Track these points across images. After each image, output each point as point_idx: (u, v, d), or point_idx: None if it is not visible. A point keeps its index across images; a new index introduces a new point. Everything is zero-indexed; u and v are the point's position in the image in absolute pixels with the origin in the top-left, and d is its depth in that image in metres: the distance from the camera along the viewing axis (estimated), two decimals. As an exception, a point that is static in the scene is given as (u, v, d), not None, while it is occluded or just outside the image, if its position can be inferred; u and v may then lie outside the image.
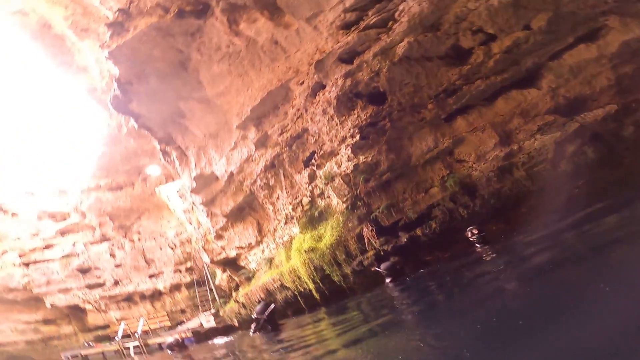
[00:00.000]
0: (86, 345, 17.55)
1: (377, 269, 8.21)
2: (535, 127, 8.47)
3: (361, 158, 8.70)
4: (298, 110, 9.96)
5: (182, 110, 11.64)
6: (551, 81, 8.40)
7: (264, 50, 9.98)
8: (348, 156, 8.86)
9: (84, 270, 19.30)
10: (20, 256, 18.71)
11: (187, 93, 11.21)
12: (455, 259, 7.67)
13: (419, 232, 8.32)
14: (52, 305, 18.59)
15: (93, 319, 19.26)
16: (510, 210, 8.21)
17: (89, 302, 18.99)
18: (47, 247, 19.29)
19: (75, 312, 19.38)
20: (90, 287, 19.18)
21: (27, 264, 18.65)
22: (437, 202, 8.39)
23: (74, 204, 19.81)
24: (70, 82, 16.06)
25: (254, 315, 8.72)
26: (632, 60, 8.23)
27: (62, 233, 19.82)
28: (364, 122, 8.77)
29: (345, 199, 9.02)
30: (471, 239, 7.87)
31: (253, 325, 8.50)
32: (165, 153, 13.12)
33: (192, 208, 14.98)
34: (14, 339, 18.79)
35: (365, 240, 8.66)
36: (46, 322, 19.45)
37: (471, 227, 7.94)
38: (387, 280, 8.04)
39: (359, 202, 8.81)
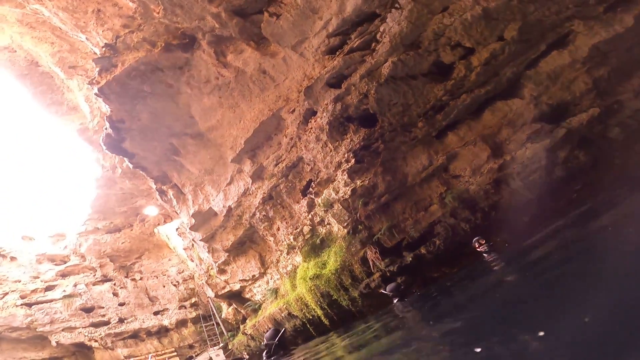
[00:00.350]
0: None
1: (383, 291, 8.16)
2: (525, 136, 8.55)
3: (358, 182, 8.73)
4: (291, 139, 9.97)
5: (176, 147, 11.61)
6: (532, 89, 8.50)
7: (253, 80, 10.05)
8: (345, 181, 8.88)
9: (87, 310, 19.13)
10: (21, 297, 18.38)
11: (179, 129, 11.21)
12: (464, 273, 7.67)
13: (423, 250, 8.32)
14: (57, 343, 18.22)
15: (100, 356, 18.84)
16: (512, 221, 8.25)
17: (95, 340, 18.65)
18: (48, 288, 19.07)
19: (82, 350, 18.99)
20: (95, 325, 18.98)
21: (29, 305, 18.31)
22: (438, 219, 8.41)
23: (73, 247, 19.70)
24: (61, 122, 16.02)
25: (264, 342, 8.62)
26: (604, 63, 8.39)
27: (63, 275, 19.61)
28: (358, 146, 8.81)
29: (346, 224, 9.00)
30: (479, 249, 7.87)
31: (265, 354, 8.38)
32: (161, 192, 13.01)
33: (193, 245, 14.86)
34: None
35: (370, 262, 8.63)
36: None
37: (477, 238, 7.93)
38: (395, 300, 8.01)
39: (360, 226, 8.80)
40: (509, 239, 8.18)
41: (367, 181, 8.65)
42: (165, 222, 20.33)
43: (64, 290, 18.93)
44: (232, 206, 11.69)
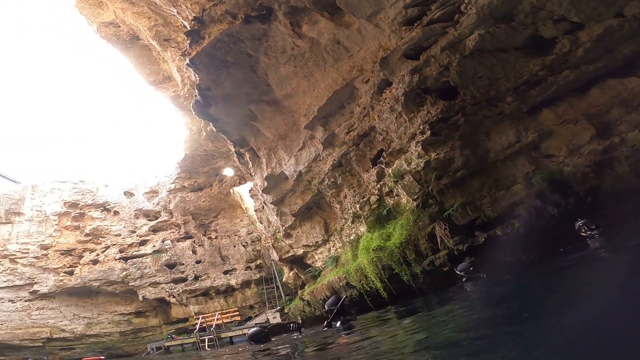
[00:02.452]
0: (170, 337, 18.28)
1: (455, 270, 7.77)
2: None
3: (433, 155, 8.33)
4: (364, 108, 9.90)
5: (254, 113, 12.30)
6: (655, 69, 7.23)
7: (327, 50, 10.11)
8: (418, 153, 8.54)
9: (170, 266, 20.65)
10: (120, 251, 20.48)
11: (257, 96, 11.83)
12: (546, 262, 6.90)
13: (498, 231, 7.71)
14: (143, 297, 19.86)
15: (175, 312, 20.23)
16: (611, 209, 7.18)
17: (174, 296, 20.02)
18: (142, 243, 21.03)
19: (162, 305, 20.57)
20: (175, 281, 20.38)
21: (125, 259, 20.27)
22: (520, 200, 7.72)
23: (163, 203, 21.75)
24: (158, 90, 17.86)
25: (326, 308, 8.94)
26: None
27: (154, 231, 21.58)
28: (435, 118, 8.37)
29: (415, 197, 8.72)
30: (584, 234, 6.91)
31: (327, 321, 8.70)
32: (239, 154, 14.04)
33: (263, 207, 15.67)
34: (110, 330, 19.92)
35: (438, 239, 8.29)
36: (137, 314, 20.57)
37: (584, 221, 6.86)
38: (464, 280, 7.62)
39: (430, 200, 8.45)
40: (604, 230, 7.14)
41: (443, 154, 8.20)
42: (240, 183, 21.53)
43: (154, 246, 20.80)
44: (303, 171, 12.13)
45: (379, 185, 9.97)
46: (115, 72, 22.45)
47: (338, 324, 7.95)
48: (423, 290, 8.86)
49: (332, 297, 9.15)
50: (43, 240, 20.02)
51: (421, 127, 8.53)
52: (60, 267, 19.77)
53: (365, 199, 10.44)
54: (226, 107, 12.05)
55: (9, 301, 18.97)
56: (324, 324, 8.70)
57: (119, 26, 15.97)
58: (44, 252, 19.85)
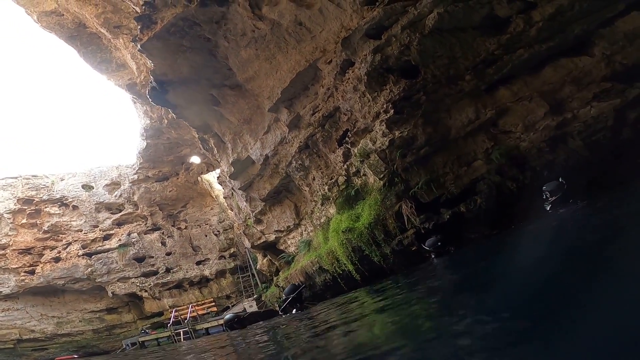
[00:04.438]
0: (144, 332, 18.05)
1: (423, 245, 7.93)
2: (591, 95, 7.72)
3: (397, 133, 8.37)
4: (328, 89, 9.79)
5: (216, 97, 11.86)
6: (604, 48, 7.55)
7: (289, 32, 9.82)
8: (383, 132, 8.55)
9: (139, 259, 20.03)
10: (82, 247, 19.60)
11: (218, 80, 11.39)
12: (509, 236, 7.15)
13: (462, 208, 7.93)
14: (113, 294, 19.32)
15: (149, 306, 19.87)
16: (567, 183, 7.55)
17: (145, 290, 19.58)
18: (106, 237, 20.20)
19: (134, 300, 20.14)
20: (146, 275, 19.86)
21: (89, 255, 19.47)
22: (481, 176, 7.94)
23: (127, 195, 20.81)
24: (111, 78, 16.74)
25: (283, 296, 9.05)
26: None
27: (119, 224, 20.79)
28: (398, 97, 8.38)
29: (382, 175, 8.77)
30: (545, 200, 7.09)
31: (280, 307, 8.82)
32: (203, 141, 13.58)
33: (232, 194, 15.32)
34: (82, 328, 19.59)
35: (405, 218, 8.40)
36: (109, 310, 20.26)
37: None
38: (432, 256, 7.80)
39: (396, 179, 8.52)
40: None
41: (406, 132, 8.26)
42: (208, 170, 20.93)
43: (120, 240, 20.10)
44: (269, 154, 11.91)
45: (345, 166, 9.98)
46: (65, 61, 20.79)
47: (294, 310, 8.02)
48: (394, 270, 8.97)
49: (290, 286, 9.29)
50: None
51: (384, 106, 8.53)
52: (20, 267, 18.92)
53: (333, 180, 10.43)
54: (186, 93, 11.53)
55: (-27, 304, 17.94)
56: (280, 310, 8.77)
57: (63, 15, 14.66)
58: (2, 252, 18.86)
